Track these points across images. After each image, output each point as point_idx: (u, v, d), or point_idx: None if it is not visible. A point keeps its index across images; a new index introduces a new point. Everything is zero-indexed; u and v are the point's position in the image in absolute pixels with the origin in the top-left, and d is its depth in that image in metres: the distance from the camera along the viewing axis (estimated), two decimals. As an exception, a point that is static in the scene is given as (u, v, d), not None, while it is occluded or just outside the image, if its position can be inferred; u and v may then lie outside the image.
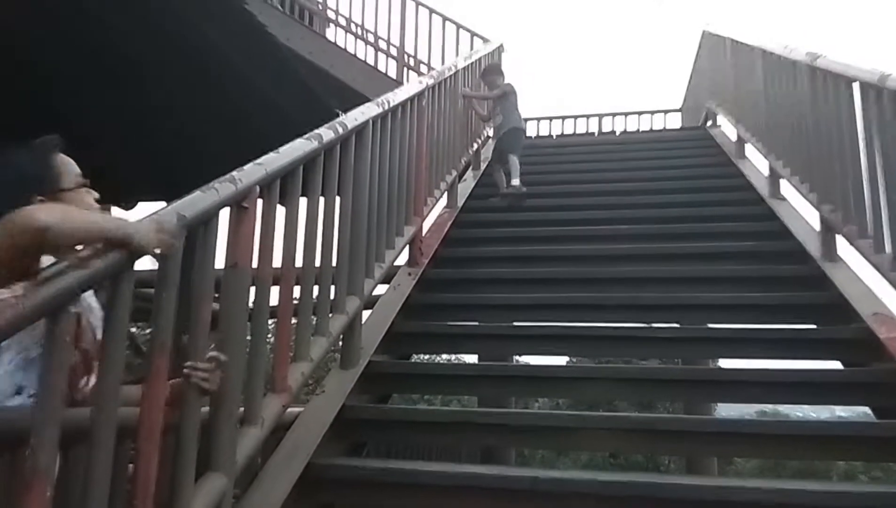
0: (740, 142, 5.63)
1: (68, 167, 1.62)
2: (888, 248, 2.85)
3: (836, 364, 3.11)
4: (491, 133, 6.18)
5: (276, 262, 2.24)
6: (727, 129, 6.43)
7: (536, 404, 11.99)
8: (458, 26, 7.58)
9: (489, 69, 6.03)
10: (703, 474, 6.67)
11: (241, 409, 1.99)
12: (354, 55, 7.49)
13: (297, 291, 2.43)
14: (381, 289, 3.59)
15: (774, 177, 4.57)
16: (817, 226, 3.75)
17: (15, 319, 1.17)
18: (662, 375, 3.47)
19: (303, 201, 2.45)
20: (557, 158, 6.73)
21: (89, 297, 1.59)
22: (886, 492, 2.27)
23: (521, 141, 5.74)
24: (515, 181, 5.22)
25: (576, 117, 9.68)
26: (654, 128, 9.15)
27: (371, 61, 7.52)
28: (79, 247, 1.36)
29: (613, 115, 9.54)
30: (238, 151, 2.28)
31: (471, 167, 5.90)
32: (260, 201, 2.06)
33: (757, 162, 5.23)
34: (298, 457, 2.40)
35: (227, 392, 1.86)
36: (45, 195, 1.51)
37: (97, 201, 1.65)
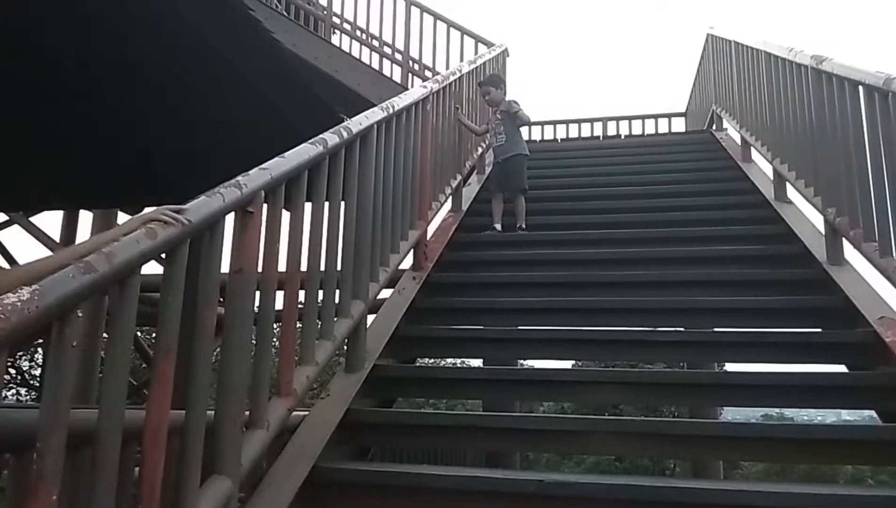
0: (745, 145, 5.62)
1: None
2: (895, 252, 2.83)
3: (841, 368, 3.10)
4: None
5: (282, 266, 2.25)
6: (733, 132, 6.42)
7: (542, 407, 11.97)
8: (463, 32, 7.60)
9: (486, 80, 5.60)
10: (709, 478, 6.65)
11: (247, 412, 2.00)
12: (359, 60, 7.52)
13: (302, 295, 2.44)
14: (385, 293, 3.60)
15: (780, 180, 4.57)
16: (823, 229, 3.74)
17: (21, 323, 1.16)
18: (668, 379, 3.46)
19: (308, 206, 2.46)
20: (563, 161, 6.73)
21: None
22: (894, 496, 2.25)
23: (523, 170, 5.14)
24: (521, 224, 4.85)
25: (580, 121, 9.71)
26: (660, 131, 9.16)
27: (376, 66, 7.54)
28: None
29: (618, 119, 9.56)
30: (243, 156, 2.29)
31: (475, 171, 5.90)
32: (265, 206, 2.07)
33: (763, 165, 5.22)
34: (303, 461, 2.41)
35: (233, 396, 1.87)
36: None
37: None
